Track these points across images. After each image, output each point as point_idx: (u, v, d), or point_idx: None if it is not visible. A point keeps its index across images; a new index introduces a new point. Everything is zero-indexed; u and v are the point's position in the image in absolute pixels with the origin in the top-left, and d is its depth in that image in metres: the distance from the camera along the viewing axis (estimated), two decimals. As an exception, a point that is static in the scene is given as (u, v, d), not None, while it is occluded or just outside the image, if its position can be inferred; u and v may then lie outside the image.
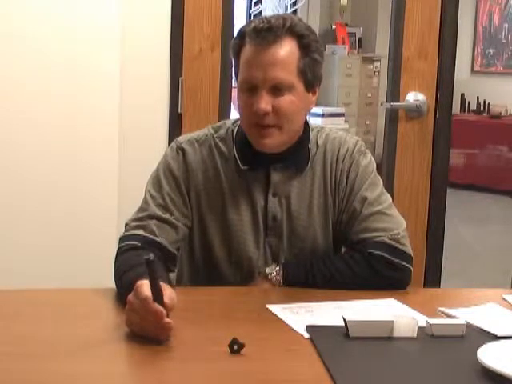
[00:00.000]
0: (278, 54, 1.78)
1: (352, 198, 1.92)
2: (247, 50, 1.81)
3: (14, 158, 2.70)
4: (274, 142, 1.83)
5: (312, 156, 1.93)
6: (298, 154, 1.90)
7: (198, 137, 1.94)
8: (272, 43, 1.78)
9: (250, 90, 1.80)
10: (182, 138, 1.96)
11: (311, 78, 1.84)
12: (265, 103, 1.78)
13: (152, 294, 1.46)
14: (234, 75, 1.92)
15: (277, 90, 1.79)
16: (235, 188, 1.90)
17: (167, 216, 1.85)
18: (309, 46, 1.82)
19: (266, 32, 1.78)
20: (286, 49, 1.79)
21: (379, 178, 1.98)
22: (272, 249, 1.92)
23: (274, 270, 1.87)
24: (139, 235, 1.82)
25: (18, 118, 2.69)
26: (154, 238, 1.82)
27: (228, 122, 1.98)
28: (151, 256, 1.44)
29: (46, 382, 1.33)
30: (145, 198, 1.90)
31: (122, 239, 1.84)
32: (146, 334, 1.46)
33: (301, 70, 1.81)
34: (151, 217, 1.85)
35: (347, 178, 1.93)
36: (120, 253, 1.80)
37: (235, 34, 1.88)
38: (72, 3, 2.70)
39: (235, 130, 1.93)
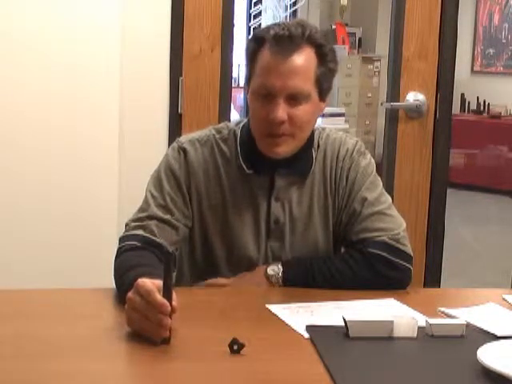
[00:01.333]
0: (297, 63, 1.77)
1: (352, 198, 1.92)
2: (266, 57, 1.79)
3: (13, 157, 2.70)
4: (285, 150, 1.83)
5: (314, 159, 1.93)
6: (302, 158, 1.90)
7: (200, 137, 1.93)
8: (292, 52, 1.77)
9: (266, 96, 1.79)
10: (183, 138, 1.96)
11: (326, 87, 1.85)
12: (282, 112, 1.77)
13: (163, 289, 1.45)
14: (245, 77, 1.90)
15: (293, 99, 1.78)
16: (237, 189, 1.90)
17: (168, 217, 1.85)
18: (326, 56, 1.81)
19: (286, 40, 1.77)
20: (305, 58, 1.78)
21: (379, 178, 1.98)
22: (274, 252, 1.92)
23: (275, 272, 1.87)
24: (139, 235, 1.82)
25: (18, 117, 2.69)
26: (154, 238, 1.82)
27: (230, 124, 1.97)
28: (173, 250, 1.42)
29: (46, 382, 1.32)
30: (145, 197, 1.90)
31: (121, 239, 1.84)
32: (145, 332, 1.46)
33: (317, 79, 1.81)
34: (151, 217, 1.85)
35: (347, 178, 1.93)
36: (120, 253, 1.80)
37: (251, 37, 1.87)
38: (72, 3, 2.70)
39: (238, 132, 1.92)
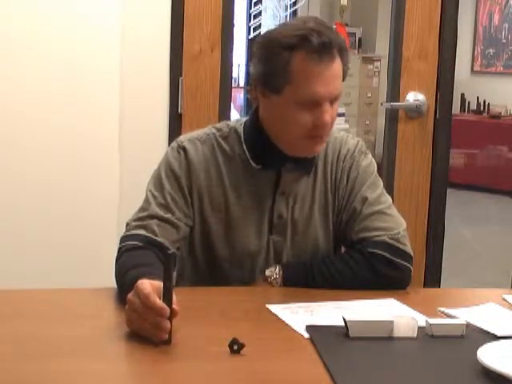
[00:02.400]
0: (336, 68, 1.81)
1: (352, 197, 1.92)
2: (312, 66, 1.77)
3: (14, 158, 2.70)
4: (321, 148, 1.88)
5: (316, 156, 1.93)
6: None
7: (200, 136, 1.93)
8: (333, 58, 1.79)
9: (312, 103, 1.79)
10: (183, 138, 1.96)
11: None
12: (329, 116, 1.81)
13: (163, 291, 1.45)
14: (265, 80, 1.82)
15: (333, 101, 1.82)
16: (240, 186, 1.90)
17: (168, 216, 1.85)
18: (345, 57, 1.84)
19: (328, 47, 1.78)
20: (339, 62, 1.81)
21: (380, 178, 1.98)
22: (276, 247, 1.92)
23: (274, 273, 1.87)
24: (140, 235, 1.82)
25: (18, 117, 2.69)
26: (155, 237, 1.82)
27: (230, 122, 1.97)
28: (174, 251, 1.42)
29: (46, 382, 1.33)
30: (146, 197, 1.90)
31: (122, 239, 1.84)
32: (144, 333, 1.46)
33: (342, 80, 1.86)
34: (152, 216, 1.85)
35: (348, 177, 1.93)
36: (121, 253, 1.80)
37: (277, 43, 1.79)
38: (72, 3, 2.70)
39: (240, 129, 1.92)
